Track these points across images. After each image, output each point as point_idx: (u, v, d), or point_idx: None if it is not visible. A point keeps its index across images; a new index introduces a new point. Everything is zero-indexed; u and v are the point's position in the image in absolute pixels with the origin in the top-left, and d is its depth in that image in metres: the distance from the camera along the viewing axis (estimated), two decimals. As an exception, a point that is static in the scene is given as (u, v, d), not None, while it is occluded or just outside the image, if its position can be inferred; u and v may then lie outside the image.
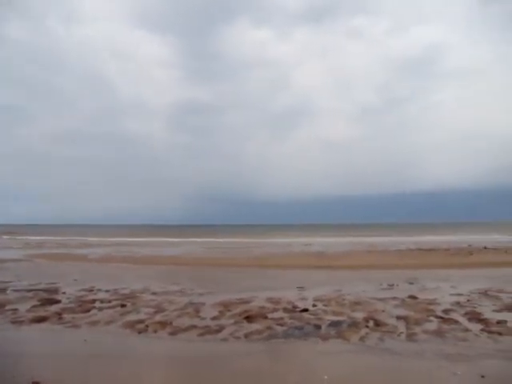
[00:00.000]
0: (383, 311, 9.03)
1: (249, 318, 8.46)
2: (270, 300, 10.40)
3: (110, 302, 10.51)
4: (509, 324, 7.75)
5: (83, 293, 11.81)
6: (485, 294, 10.96)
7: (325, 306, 9.73)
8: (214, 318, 8.63)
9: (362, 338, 7.04)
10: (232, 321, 8.38)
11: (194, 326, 7.97)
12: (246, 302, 10.26)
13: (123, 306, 9.96)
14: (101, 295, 11.47)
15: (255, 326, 7.91)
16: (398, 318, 8.42)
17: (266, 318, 8.57)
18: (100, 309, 9.68)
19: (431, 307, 9.34)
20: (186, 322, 8.36)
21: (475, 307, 9.28)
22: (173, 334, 7.55)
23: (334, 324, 7.93)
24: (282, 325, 8.00)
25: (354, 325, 7.85)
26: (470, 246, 31.04)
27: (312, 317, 8.62)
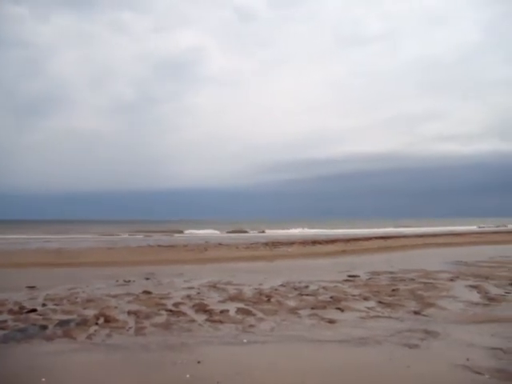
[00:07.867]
0: (116, 307, 9.24)
1: (-38, 325, 7.72)
2: (-8, 302, 9.57)
3: None
4: (230, 313, 8.63)
5: None
6: (214, 286, 11.98)
7: (55, 305, 9.59)
8: None
9: (89, 336, 7.09)
10: None
11: None
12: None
13: None
14: None
15: (-30, 333, 7.25)
16: (130, 313, 8.69)
17: (-15, 322, 7.97)
18: None
19: (163, 301, 9.82)
20: None
21: (203, 299, 10.07)
22: None
23: (62, 323, 7.88)
24: (3, 328, 7.58)
25: (83, 323, 7.91)
26: (206, 242, 33.53)
27: (39, 317, 8.42)
